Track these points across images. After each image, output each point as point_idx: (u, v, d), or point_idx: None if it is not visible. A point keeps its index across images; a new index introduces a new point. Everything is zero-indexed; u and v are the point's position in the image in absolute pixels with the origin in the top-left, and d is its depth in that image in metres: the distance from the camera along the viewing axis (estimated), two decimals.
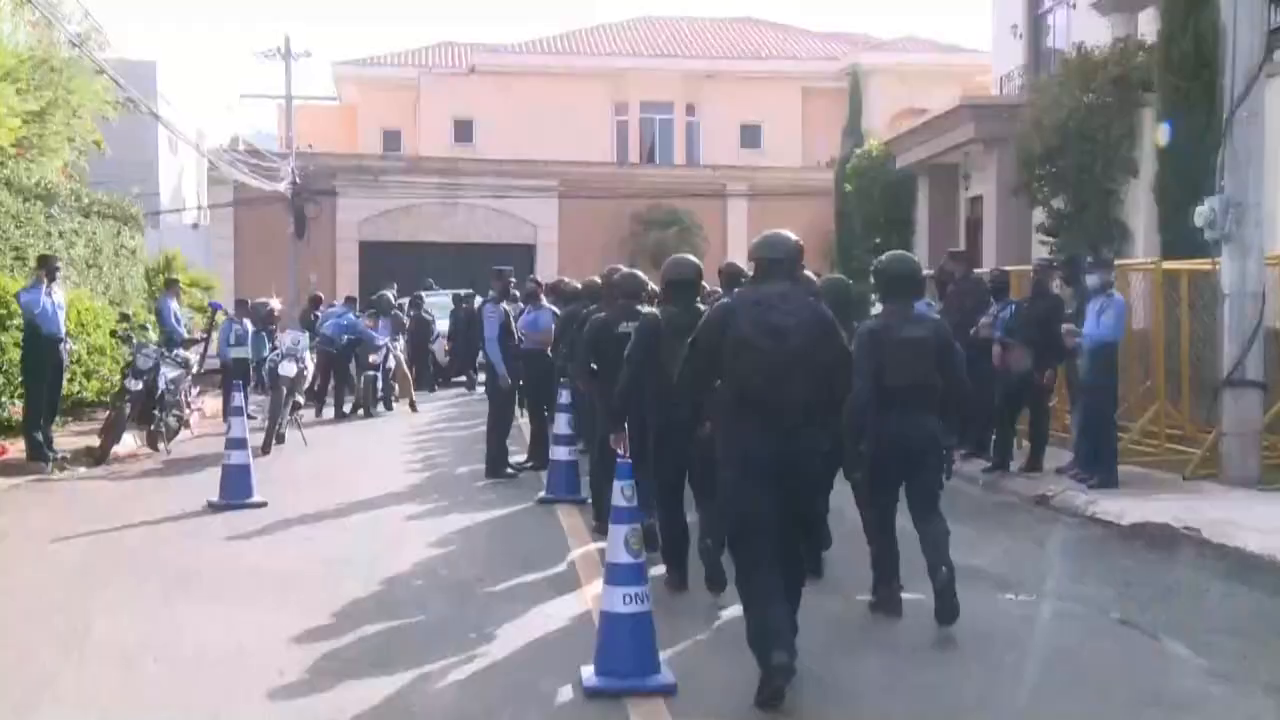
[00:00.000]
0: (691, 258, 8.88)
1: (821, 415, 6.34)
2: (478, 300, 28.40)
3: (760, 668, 6.07)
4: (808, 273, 8.67)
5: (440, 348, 27.53)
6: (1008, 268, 16.06)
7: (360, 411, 21.73)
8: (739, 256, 39.18)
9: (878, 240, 26.72)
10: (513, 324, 14.81)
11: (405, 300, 27.58)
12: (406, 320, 25.68)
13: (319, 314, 24.11)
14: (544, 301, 15.69)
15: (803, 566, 6.82)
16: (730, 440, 6.36)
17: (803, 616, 6.68)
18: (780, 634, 6.10)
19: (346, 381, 22.46)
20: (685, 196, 37.25)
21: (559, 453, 12.71)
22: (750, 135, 44.06)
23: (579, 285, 15.06)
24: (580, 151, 39.84)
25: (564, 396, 13.01)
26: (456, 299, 28.58)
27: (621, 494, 6.52)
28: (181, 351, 17.47)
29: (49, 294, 14.79)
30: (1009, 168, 20.33)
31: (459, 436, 18.66)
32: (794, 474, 6.23)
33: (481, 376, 27.92)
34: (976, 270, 16.51)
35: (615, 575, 6.42)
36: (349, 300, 24.98)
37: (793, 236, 6.70)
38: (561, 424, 12.85)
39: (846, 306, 9.07)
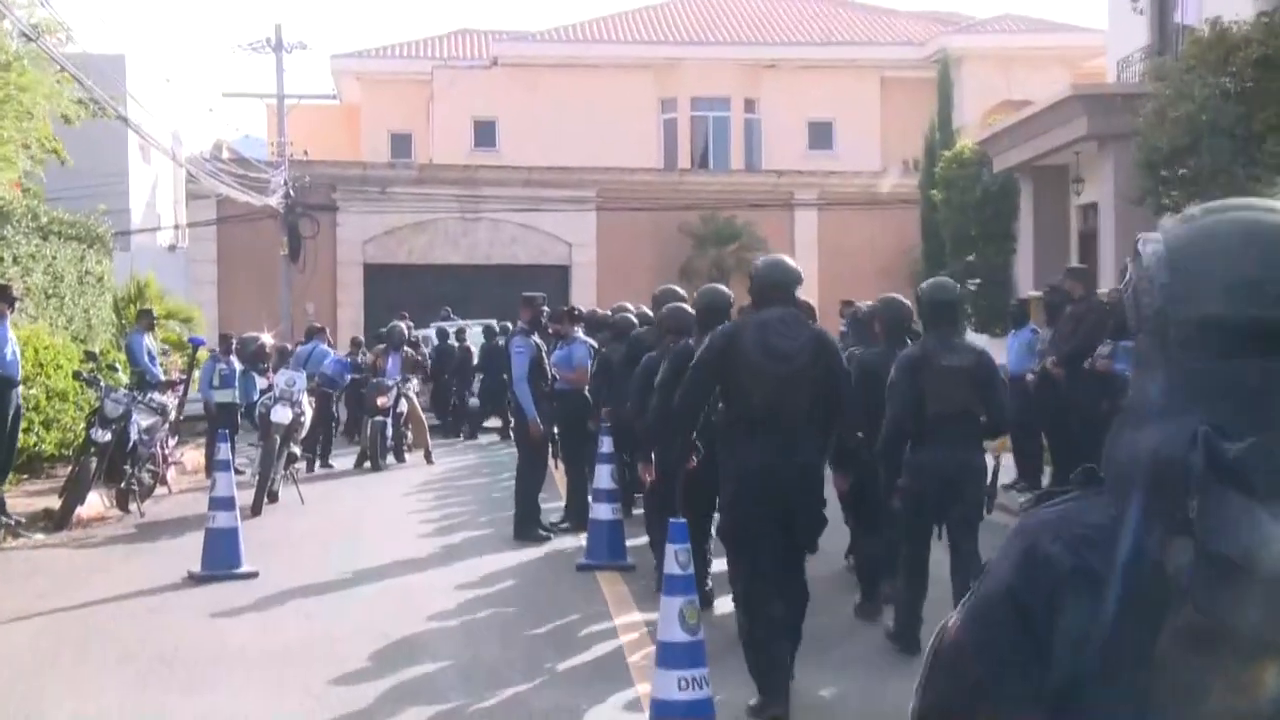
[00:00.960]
0: (722, 287, 10.56)
1: (820, 431, 7.85)
2: (470, 332, 28.48)
3: (761, 694, 7.53)
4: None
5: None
6: None
7: (367, 464, 21.78)
8: (808, 275, 38.75)
9: (971, 258, 26.59)
10: (545, 360, 14.82)
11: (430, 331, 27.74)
12: (421, 355, 25.77)
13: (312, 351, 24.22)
14: (578, 333, 15.69)
15: (805, 600, 7.98)
16: (730, 458, 7.88)
17: (883, 696, 6.60)
18: (778, 674, 7.57)
19: (325, 427, 22.53)
20: (745, 207, 37.22)
21: (600, 511, 12.66)
22: (820, 134, 44.03)
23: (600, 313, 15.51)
24: (622, 156, 39.92)
25: (605, 444, 12.97)
26: (441, 334, 28.40)
27: (675, 560, 6.48)
28: (157, 396, 17.56)
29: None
30: (1129, 170, 20.16)
31: (482, 492, 18.68)
32: (790, 488, 7.62)
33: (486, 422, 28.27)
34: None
35: (669, 656, 6.38)
36: (318, 331, 24.96)
37: (793, 264, 8.30)
38: (603, 477, 12.80)
39: (902, 328, 10.32)
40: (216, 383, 20.30)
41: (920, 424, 8.73)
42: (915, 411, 8.71)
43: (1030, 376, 15.95)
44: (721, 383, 7.95)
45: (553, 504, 15.62)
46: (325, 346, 23.94)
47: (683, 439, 8.73)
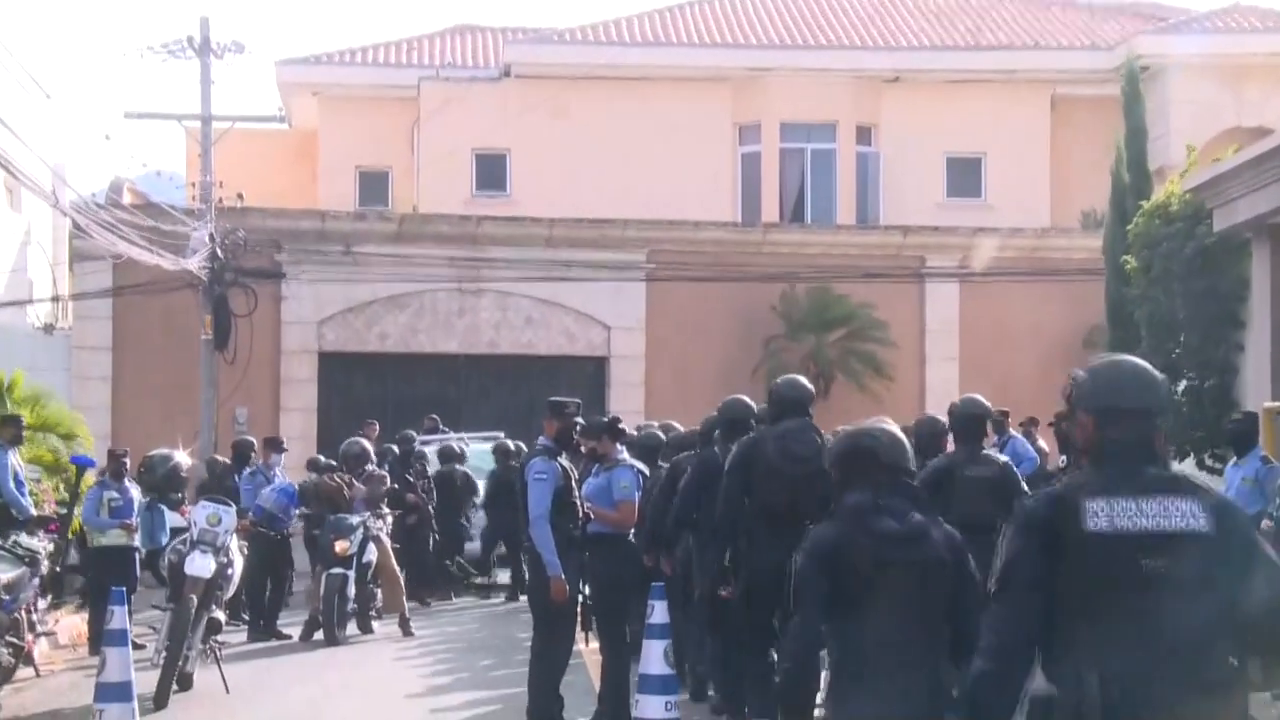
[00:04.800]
0: (743, 399, 14.99)
1: None
2: (424, 443, 28.37)
3: None
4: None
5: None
6: None
7: (319, 634, 21.73)
8: (945, 374, 38.51)
9: (1176, 350, 26.40)
10: (576, 490, 14.77)
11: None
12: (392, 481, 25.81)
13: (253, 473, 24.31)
14: (623, 454, 15.67)
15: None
16: (749, 550, 12.68)
17: None
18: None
19: (267, 581, 22.58)
20: (857, 278, 37.18)
21: (649, 707, 12.60)
22: (964, 175, 44.11)
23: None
24: (683, 204, 39.91)
25: (657, 612, 12.89)
26: (402, 449, 28.03)
27: None
28: (25, 538, 17.59)
29: None
30: None
31: (482, 676, 18.66)
32: None
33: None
34: None
35: None
36: (273, 444, 25.17)
37: (808, 384, 13.70)
38: (652, 657, 12.74)
39: (934, 443, 14.79)
40: (106, 517, 20.30)
41: None
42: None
43: (1266, 524, 15.78)
44: (747, 485, 12.90)
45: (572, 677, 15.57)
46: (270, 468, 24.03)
47: (729, 547, 13.18)
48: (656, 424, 20.09)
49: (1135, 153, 30.58)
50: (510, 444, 27.16)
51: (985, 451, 14.31)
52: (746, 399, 15.13)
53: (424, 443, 29.10)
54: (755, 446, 13.06)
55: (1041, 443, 24.77)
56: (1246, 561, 5.98)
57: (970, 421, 14.15)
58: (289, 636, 22.06)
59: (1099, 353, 31.16)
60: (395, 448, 27.69)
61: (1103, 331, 30.67)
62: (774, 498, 12.53)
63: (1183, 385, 25.77)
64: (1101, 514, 5.91)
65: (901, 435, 8.20)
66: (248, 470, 24.61)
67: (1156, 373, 6.64)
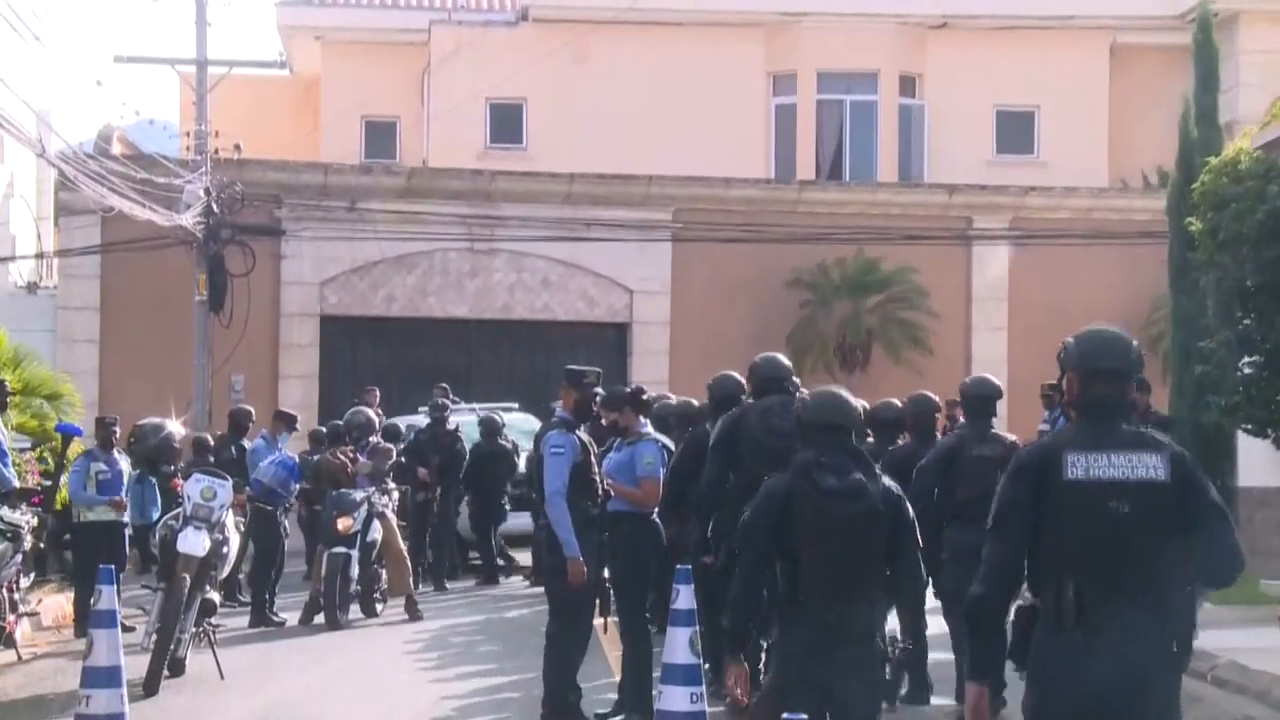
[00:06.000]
0: (734, 375, 15.95)
1: None
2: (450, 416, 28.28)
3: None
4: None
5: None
6: None
7: (320, 617, 21.73)
8: (992, 344, 38.41)
9: (1247, 320, 26.25)
10: (595, 465, 14.76)
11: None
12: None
13: (249, 445, 24.29)
14: (647, 427, 15.66)
15: None
16: (733, 521, 12.56)
17: None
18: None
19: (268, 559, 22.57)
20: (898, 240, 37.11)
21: (673, 698, 12.58)
22: (1015, 130, 43.90)
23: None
24: (712, 160, 39.69)
25: (682, 597, 12.90)
26: (434, 417, 28.01)
27: None
28: (7, 511, 17.61)
29: None
30: None
31: (494, 663, 18.69)
32: None
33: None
34: None
35: None
36: (285, 419, 25.08)
37: (786, 360, 15.02)
38: (677, 645, 12.74)
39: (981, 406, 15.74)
40: (95, 490, 20.27)
41: (952, 507, 14.07)
42: (947, 495, 14.37)
43: None
44: (731, 458, 14.30)
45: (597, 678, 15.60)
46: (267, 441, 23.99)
47: (710, 517, 14.50)
48: (695, 402, 20.19)
49: (1206, 105, 30.18)
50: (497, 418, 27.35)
51: (994, 431, 15.19)
52: (739, 376, 15.74)
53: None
54: (739, 421, 14.40)
55: None
56: (1194, 504, 7.93)
57: (978, 401, 15.31)
58: (285, 620, 22.08)
59: (1159, 324, 31.11)
60: (426, 417, 27.74)
61: (1165, 300, 30.41)
62: (757, 470, 12.80)
63: (1255, 361, 25.56)
64: (1079, 465, 7.88)
65: (849, 399, 10.11)
66: (260, 442, 24.48)
67: (1132, 340, 8.52)
